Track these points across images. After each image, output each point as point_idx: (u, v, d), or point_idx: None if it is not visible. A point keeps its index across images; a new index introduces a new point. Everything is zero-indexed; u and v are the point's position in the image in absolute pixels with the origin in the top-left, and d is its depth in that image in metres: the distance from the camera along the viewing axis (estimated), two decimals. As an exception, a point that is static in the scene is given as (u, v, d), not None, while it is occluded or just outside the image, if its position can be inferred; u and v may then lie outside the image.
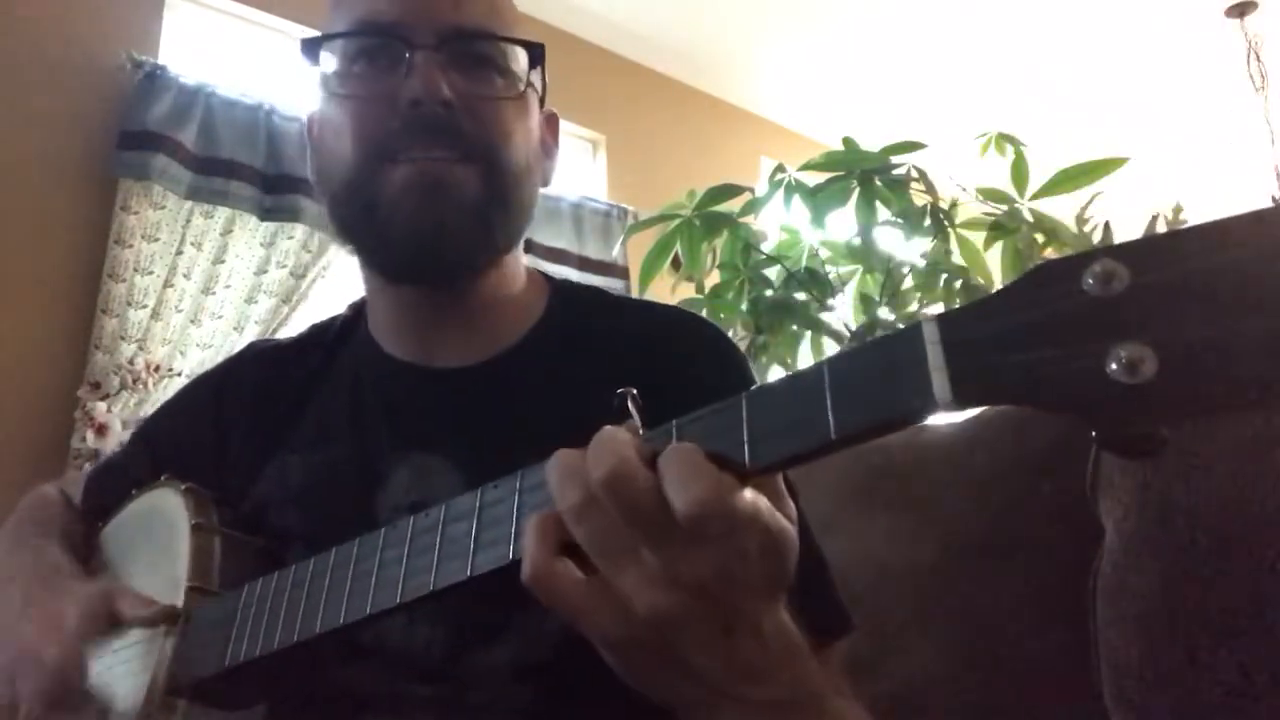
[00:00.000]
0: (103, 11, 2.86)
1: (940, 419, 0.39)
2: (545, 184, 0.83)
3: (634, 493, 0.42)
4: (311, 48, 0.74)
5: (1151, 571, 0.74)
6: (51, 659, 0.67)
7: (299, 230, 2.93)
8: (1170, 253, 0.33)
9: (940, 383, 0.37)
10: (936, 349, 0.37)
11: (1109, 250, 0.34)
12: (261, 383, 0.85)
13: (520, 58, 0.76)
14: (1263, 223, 0.32)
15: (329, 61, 0.75)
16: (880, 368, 0.39)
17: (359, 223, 0.74)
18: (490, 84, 0.74)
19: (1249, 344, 0.31)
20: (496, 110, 0.74)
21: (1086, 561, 0.82)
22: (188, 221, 2.77)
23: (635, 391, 0.48)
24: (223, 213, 2.83)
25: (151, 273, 2.69)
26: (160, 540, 0.75)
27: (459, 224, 0.72)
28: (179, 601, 0.69)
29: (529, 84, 0.77)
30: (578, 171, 3.88)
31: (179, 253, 2.75)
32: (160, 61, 2.82)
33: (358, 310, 0.87)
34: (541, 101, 0.81)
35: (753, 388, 0.45)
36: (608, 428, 0.45)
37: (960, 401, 0.36)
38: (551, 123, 0.86)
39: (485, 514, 0.51)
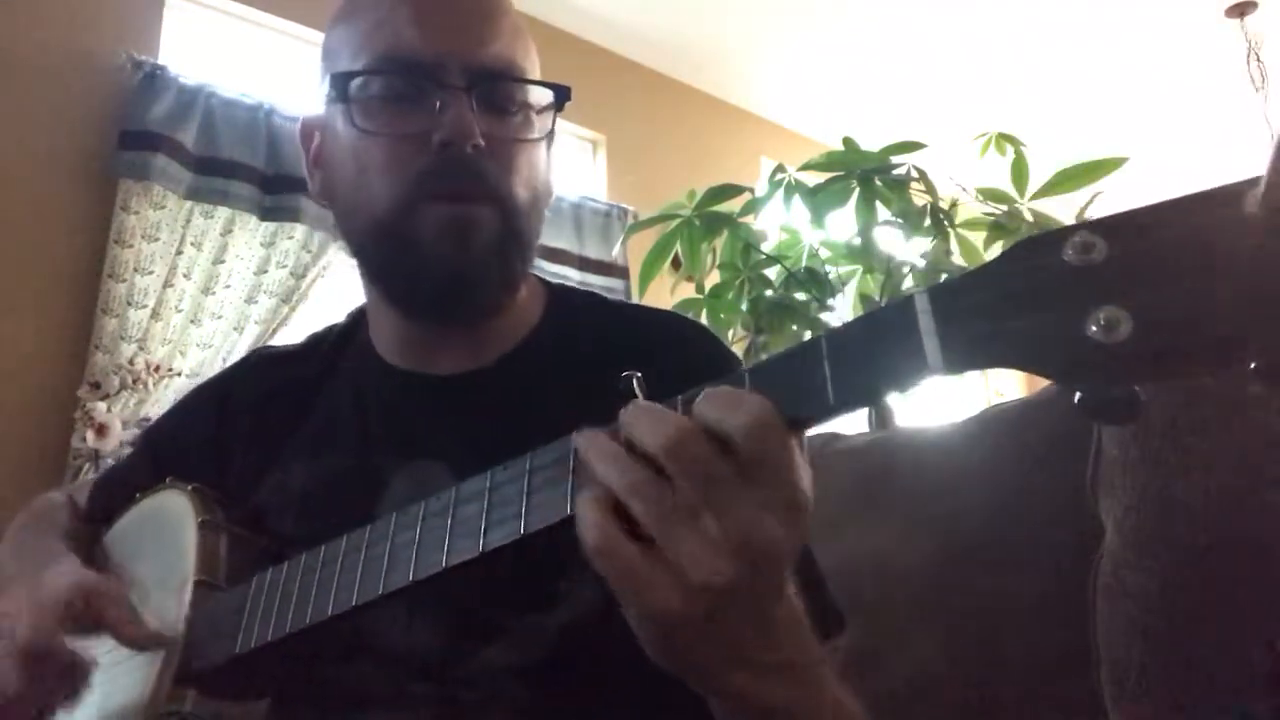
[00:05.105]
0: (103, 11, 2.86)
1: (932, 382, 0.41)
2: (548, 201, 0.83)
3: (698, 450, 0.42)
4: (342, 83, 0.74)
5: (1151, 571, 0.75)
6: (22, 637, 0.67)
7: (299, 230, 2.93)
8: (1144, 225, 0.36)
9: (932, 348, 0.39)
10: (928, 317, 0.39)
11: (1088, 224, 0.37)
12: (264, 391, 0.86)
13: (543, 92, 0.77)
14: (1226, 196, 0.35)
15: (353, 90, 0.74)
16: (875, 337, 0.42)
17: (391, 262, 0.75)
18: (514, 126, 0.75)
19: (1215, 306, 0.34)
20: (517, 152, 0.75)
21: (1086, 561, 0.82)
22: (188, 221, 2.77)
23: (640, 375, 0.49)
24: (223, 213, 2.83)
25: (151, 273, 2.68)
26: (166, 539, 0.76)
27: (486, 267, 0.73)
28: (187, 596, 0.70)
29: (551, 121, 0.77)
30: (578, 171, 3.87)
31: (179, 253, 2.74)
32: (160, 61, 2.82)
33: (356, 319, 0.88)
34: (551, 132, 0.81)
35: (754, 364, 0.46)
36: (635, 401, 0.46)
37: (950, 366, 0.39)
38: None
39: (495, 494, 0.53)
